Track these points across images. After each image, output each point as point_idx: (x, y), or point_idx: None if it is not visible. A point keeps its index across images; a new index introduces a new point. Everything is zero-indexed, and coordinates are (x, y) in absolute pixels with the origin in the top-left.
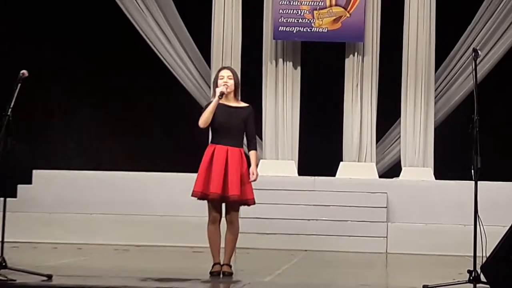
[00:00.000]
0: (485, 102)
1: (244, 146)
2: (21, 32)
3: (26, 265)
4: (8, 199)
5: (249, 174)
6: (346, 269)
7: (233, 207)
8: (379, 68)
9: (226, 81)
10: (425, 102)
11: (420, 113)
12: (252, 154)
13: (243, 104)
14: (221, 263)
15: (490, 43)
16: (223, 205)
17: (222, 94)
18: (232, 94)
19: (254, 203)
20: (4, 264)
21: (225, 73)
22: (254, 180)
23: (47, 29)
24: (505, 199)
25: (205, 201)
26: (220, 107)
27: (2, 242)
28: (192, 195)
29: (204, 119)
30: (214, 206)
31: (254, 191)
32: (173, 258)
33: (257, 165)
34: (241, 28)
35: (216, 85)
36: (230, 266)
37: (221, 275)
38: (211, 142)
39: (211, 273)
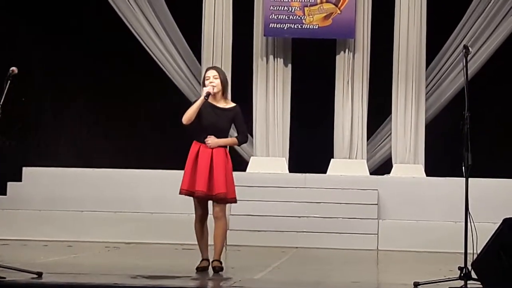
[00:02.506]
0: (476, 99)
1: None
2: (13, 31)
3: (16, 262)
4: None
5: (231, 168)
6: (337, 266)
7: (219, 204)
8: (370, 64)
9: (212, 81)
10: (416, 99)
11: (411, 109)
12: (232, 138)
13: (230, 105)
14: (210, 259)
15: (481, 39)
16: (210, 203)
17: (208, 94)
18: (220, 94)
19: (235, 202)
20: None
21: (211, 73)
22: (208, 143)
23: (40, 28)
24: (496, 196)
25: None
26: (207, 107)
27: None
28: (180, 193)
29: (188, 117)
30: (200, 204)
31: (245, 188)
32: (163, 255)
33: (226, 147)
34: (232, 25)
35: (203, 86)
36: (221, 262)
37: (212, 271)
38: (197, 140)
39: (197, 268)
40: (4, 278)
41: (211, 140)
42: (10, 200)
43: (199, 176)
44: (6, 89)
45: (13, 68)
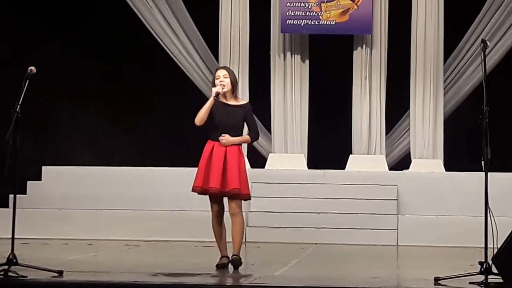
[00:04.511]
0: (495, 93)
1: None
2: (29, 30)
3: (36, 261)
4: (18, 195)
5: (244, 165)
6: (357, 262)
7: (234, 200)
8: (387, 60)
9: (222, 80)
10: (434, 94)
11: (429, 104)
12: (244, 135)
13: (241, 102)
14: (229, 256)
15: (498, 33)
16: (225, 199)
17: (217, 94)
18: (230, 93)
19: (250, 199)
20: (14, 260)
21: (221, 72)
22: (223, 142)
23: (55, 27)
24: None
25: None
26: (219, 105)
27: (13, 238)
28: (192, 191)
29: (200, 117)
30: (215, 200)
31: (263, 184)
32: (183, 252)
33: (240, 145)
34: (249, 21)
35: (213, 85)
36: (240, 257)
37: (231, 264)
38: (210, 139)
39: (217, 265)
40: (26, 276)
41: (225, 139)
42: (30, 199)
43: (213, 173)
44: (24, 89)
45: (32, 67)
